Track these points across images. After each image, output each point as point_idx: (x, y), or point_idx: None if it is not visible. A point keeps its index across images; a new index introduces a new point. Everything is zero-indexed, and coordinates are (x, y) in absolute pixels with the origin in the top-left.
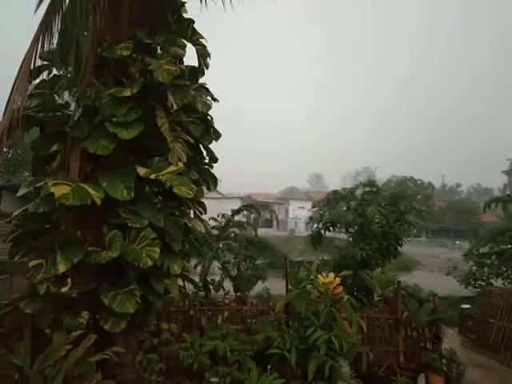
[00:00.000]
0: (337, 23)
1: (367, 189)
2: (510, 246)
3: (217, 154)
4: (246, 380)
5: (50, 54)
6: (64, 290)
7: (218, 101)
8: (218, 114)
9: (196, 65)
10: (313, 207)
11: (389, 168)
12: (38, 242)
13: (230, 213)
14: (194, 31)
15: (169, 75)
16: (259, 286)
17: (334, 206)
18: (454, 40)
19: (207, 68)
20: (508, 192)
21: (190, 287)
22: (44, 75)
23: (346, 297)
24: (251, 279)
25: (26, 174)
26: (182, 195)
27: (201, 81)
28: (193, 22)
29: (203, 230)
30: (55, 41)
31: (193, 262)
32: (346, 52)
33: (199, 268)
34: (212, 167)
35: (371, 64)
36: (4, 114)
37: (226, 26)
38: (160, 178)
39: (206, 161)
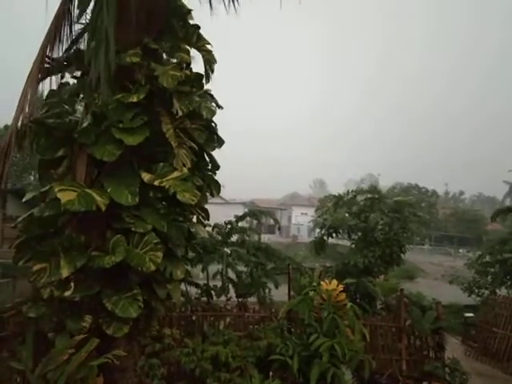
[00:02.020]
0: (338, 25)
1: (369, 195)
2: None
3: (219, 159)
4: None
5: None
6: (67, 294)
7: (222, 108)
8: (220, 119)
9: (202, 70)
10: (316, 210)
11: (392, 175)
12: (42, 247)
13: (233, 218)
14: (200, 37)
15: (173, 80)
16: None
17: (336, 210)
18: (456, 46)
19: (212, 73)
20: (509, 201)
21: (192, 292)
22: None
23: (350, 304)
24: (264, 286)
25: (31, 178)
26: (185, 201)
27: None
28: (198, 28)
29: (206, 236)
30: (64, 46)
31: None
32: (348, 55)
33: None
34: (215, 173)
35: (373, 68)
36: (13, 120)
37: (226, 30)
38: (164, 184)
39: (210, 167)
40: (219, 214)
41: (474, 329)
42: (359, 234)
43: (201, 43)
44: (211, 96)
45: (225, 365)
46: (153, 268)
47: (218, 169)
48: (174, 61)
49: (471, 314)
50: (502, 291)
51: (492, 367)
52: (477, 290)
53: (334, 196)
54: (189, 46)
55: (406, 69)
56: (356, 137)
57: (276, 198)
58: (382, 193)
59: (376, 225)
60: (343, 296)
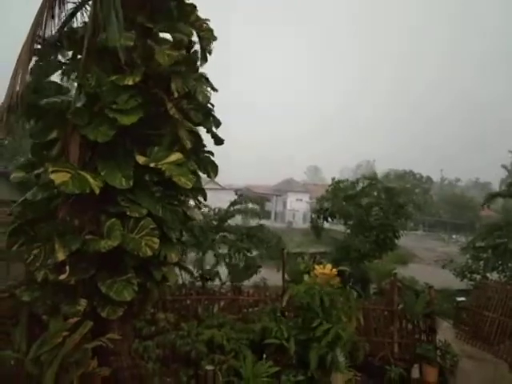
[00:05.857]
0: (334, 9)
1: (368, 182)
2: (505, 239)
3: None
4: (242, 368)
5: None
6: (62, 277)
7: (217, 90)
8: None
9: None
10: (317, 201)
11: (387, 161)
12: (36, 231)
13: (228, 204)
14: (198, 16)
15: (170, 59)
16: (256, 276)
17: (336, 196)
18: (456, 25)
19: (210, 54)
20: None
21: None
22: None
23: (348, 289)
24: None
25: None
26: (181, 185)
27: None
28: (195, 6)
29: (201, 218)
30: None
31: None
32: (345, 37)
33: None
34: (213, 154)
35: (367, 54)
36: (4, 101)
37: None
38: (160, 167)
39: (206, 148)
40: (215, 199)
41: (466, 312)
42: (355, 219)
43: (198, 22)
44: (206, 79)
45: (219, 347)
46: (149, 253)
47: (221, 143)
48: (171, 40)
49: (463, 298)
50: (494, 276)
51: (482, 350)
52: (469, 275)
53: (336, 182)
54: (186, 24)
55: (401, 52)
56: (351, 123)
57: (271, 184)
58: (378, 179)
59: (370, 209)
60: (337, 280)
